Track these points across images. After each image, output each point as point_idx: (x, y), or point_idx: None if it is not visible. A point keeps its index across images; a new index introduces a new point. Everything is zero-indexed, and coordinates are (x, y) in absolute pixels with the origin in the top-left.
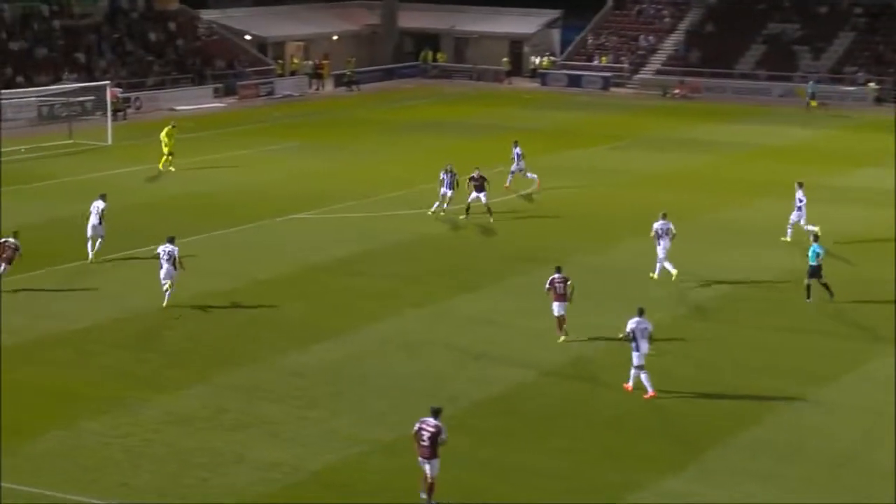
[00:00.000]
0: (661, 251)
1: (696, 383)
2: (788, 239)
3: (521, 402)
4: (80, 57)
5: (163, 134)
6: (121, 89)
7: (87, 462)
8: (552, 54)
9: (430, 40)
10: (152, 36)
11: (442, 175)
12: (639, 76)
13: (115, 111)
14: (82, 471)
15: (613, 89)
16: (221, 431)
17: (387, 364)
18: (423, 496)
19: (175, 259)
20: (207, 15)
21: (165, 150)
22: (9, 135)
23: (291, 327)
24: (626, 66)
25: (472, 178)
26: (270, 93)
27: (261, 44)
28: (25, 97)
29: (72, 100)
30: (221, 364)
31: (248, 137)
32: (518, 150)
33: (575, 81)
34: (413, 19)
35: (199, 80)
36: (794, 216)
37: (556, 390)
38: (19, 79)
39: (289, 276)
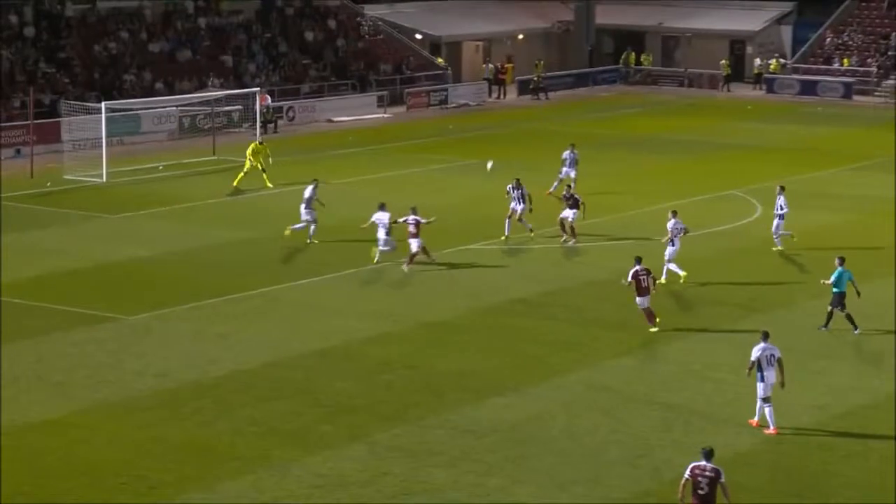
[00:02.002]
0: (670, 252)
1: None
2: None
3: (736, 471)
4: (227, 60)
5: (248, 151)
6: (271, 97)
7: None
8: (781, 56)
9: (632, 40)
10: (309, 35)
11: (509, 188)
12: (889, 82)
13: (264, 122)
14: None
15: (857, 98)
16: (382, 499)
17: (577, 424)
18: None
19: (389, 227)
20: (372, 11)
21: (247, 165)
22: (146, 149)
23: (465, 378)
24: (873, 69)
25: (565, 197)
26: (443, 101)
27: (433, 44)
28: (166, 106)
29: (217, 109)
30: (383, 419)
31: (415, 154)
32: (574, 153)
33: (809, 88)
34: (613, 15)
35: (362, 86)
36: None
37: (768, 458)
38: (159, 85)
39: (462, 319)
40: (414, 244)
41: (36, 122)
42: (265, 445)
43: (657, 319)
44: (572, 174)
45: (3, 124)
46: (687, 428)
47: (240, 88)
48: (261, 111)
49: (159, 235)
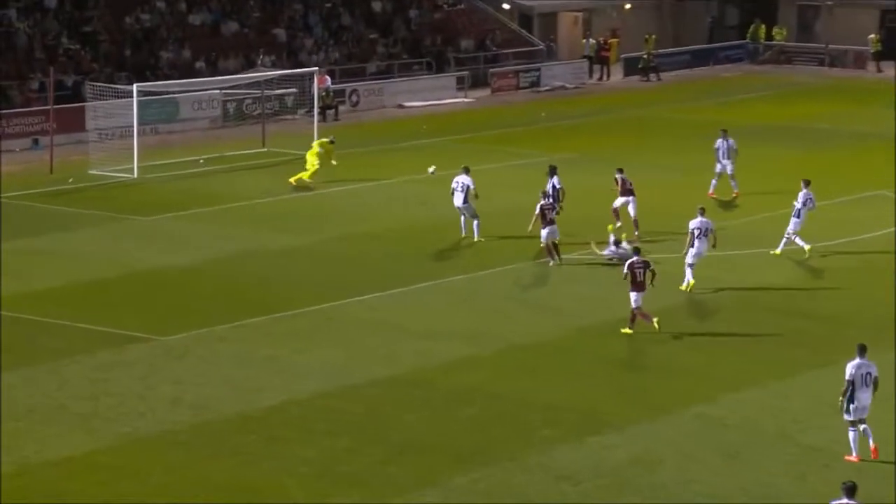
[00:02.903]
0: (692, 256)
1: None
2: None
3: None
4: (280, 34)
5: (312, 151)
6: (331, 78)
7: None
8: None
9: (762, 10)
10: (377, 5)
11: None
12: None
13: (323, 108)
14: None
15: None
16: None
17: (691, 469)
18: None
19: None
20: None
21: (315, 164)
22: (185, 139)
23: (558, 413)
24: None
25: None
26: (535, 83)
27: (524, 16)
28: (207, 89)
29: (267, 93)
30: (460, 460)
31: (501, 146)
32: (728, 141)
33: None
34: None
35: (438, 65)
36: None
37: None
38: (199, 64)
39: (556, 341)
40: (544, 233)
41: (57, 107)
42: (320, 489)
43: (655, 319)
44: (729, 168)
45: (18, 110)
46: (825, 475)
47: (294, 68)
48: (319, 95)
49: (199, 241)
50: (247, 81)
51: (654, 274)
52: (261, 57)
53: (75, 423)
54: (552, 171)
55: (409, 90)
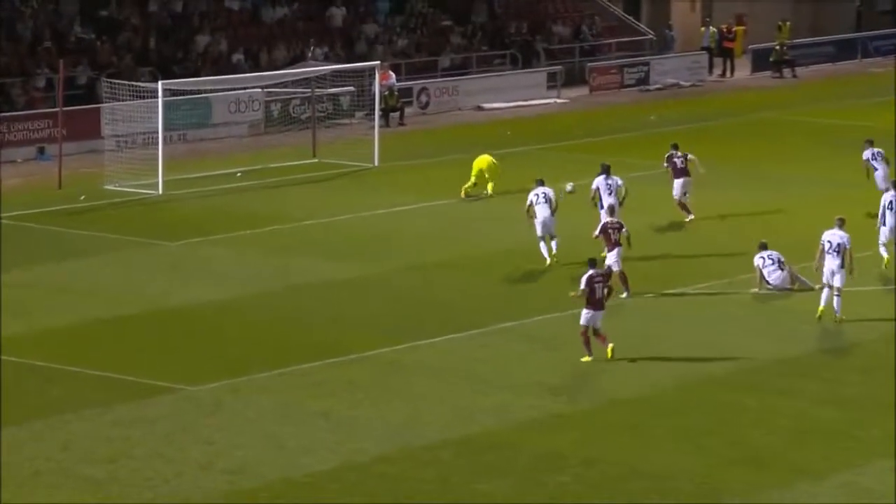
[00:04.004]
0: (828, 273)
1: None
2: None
3: None
4: (336, 15)
5: (482, 164)
6: (396, 75)
7: None
8: None
9: None
10: None
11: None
12: None
13: (386, 110)
14: None
15: None
16: None
17: None
18: None
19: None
20: None
21: (479, 180)
22: (219, 148)
23: (668, 481)
24: None
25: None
26: (643, 80)
27: None
28: (247, 87)
29: (318, 92)
30: None
31: (602, 156)
32: (875, 150)
33: None
34: None
35: (526, 59)
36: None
37: None
38: (237, 57)
39: (665, 394)
40: (611, 259)
41: (67, 109)
42: None
43: (610, 345)
44: (880, 182)
45: (21, 112)
46: None
47: (351, 62)
48: (381, 94)
49: (235, 270)
50: (294, 78)
51: (611, 290)
52: (311, 49)
53: (87, 489)
54: (605, 171)
55: (489, 89)
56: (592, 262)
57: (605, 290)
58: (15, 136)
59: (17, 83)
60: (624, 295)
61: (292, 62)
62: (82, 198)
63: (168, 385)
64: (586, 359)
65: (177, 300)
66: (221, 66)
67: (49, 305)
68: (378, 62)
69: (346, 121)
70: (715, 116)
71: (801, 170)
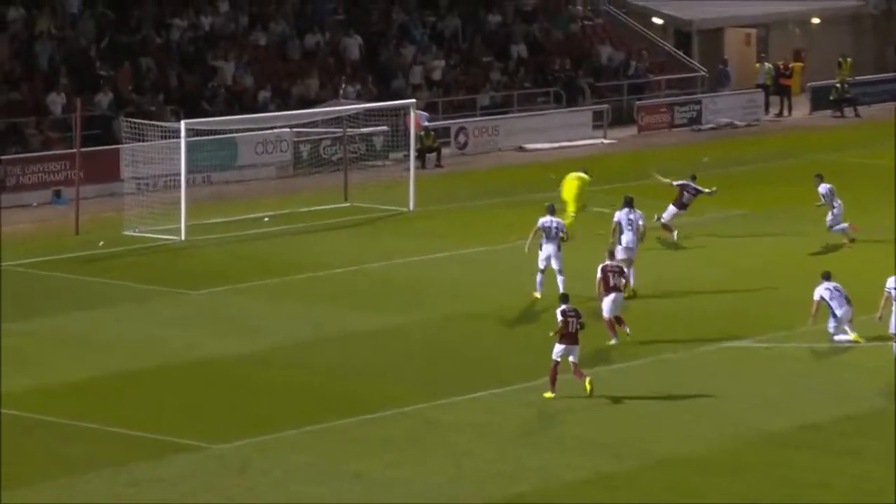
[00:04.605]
0: (894, 324)
1: None
2: None
3: None
4: (352, 47)
5: (570, 186)
6: (428, 114)
7: None
8: None
9: None
10: (492, 17)
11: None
12: None
13: (422, 151)
14: None
15: None
16: None
17: None
18: None
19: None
20: None
21: (572, 210)
22: (246, 191)
23: None
24: None
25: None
26: (694, 120)
27: (680, 33)
28: (273, 127)
29: (350, 131)
30: None
31: (650, 199)
32: (825, 186)
33: None
34: None
35: (570, 96)
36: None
37: None
38: (264, 94)
39: (719, 453)
40: (606, 303)
41: (85, 149)
42: None
43: (587, 379)
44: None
45: (36, 154)
46: None
47: (385, 100)
48: (417, 134)
49: (263, 321)
50: (322, 116)
51: (582, 325)
52: (342, 86)
53: None
54: (627, 203)
55: (532, 128)
56: (564, 298)
57: (578, 325)
58: (29, 178)
59: (32, 122)
60: (612, 342)
61: (319, 101)
62: (101, 244)
63: (191, 443)
64: (549, 395)
65: (201, 353)
66: (247, 103)
67: (65, 358)
68: (413, 101)
69: (380, 162)
70: (771, 158)
71: (863, 215)
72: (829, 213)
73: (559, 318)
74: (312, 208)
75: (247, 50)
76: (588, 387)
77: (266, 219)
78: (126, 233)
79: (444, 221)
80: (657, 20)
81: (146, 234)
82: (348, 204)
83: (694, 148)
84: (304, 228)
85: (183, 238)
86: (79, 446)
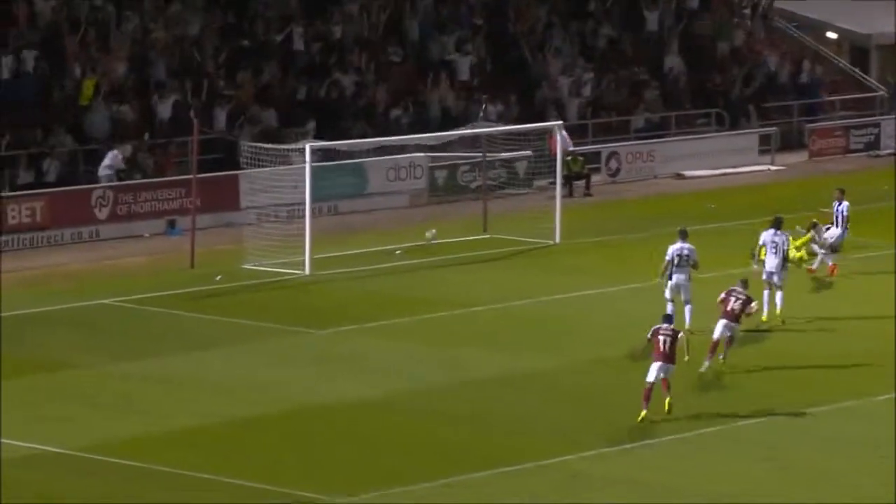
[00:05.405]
0: None
1: None
2: None
3: None
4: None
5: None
6: (573, 137)
7: None
8: None
9: None
10: (651, 22)
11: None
12: None
13: (569, 178)
14: None
15: None
16: None
17: None
18: None
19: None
20: None
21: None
22: (376, 221)
23: None
24: None
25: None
26: (872, 144)
27: (857, 48)
28: (407, 153)
29: (490, 156)
30: None
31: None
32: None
33: None
34: None
35: (734, 119)
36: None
37: None
38: (396, 112)
39: None
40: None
41: (201, 176)
42: None
43: (668, 399)
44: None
45: (147, 180)
46: None
47: (528, 122)
48: (564, 160)
49: (393, 363)
50: (461, 138)
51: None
52: (483, 106)
53: None
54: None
55: (691, 154)
56: (667, 318)
57: (671, 343)
58: (142, 207)
59: (146, 146)
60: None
61: (462, 122)
62: (218, 278)
63: (313, 496)
64: (643, 414)
65: (323, 397)
66: (377, 124)
67: (176, 402)
68: (559, 122)
69: (523, 190)
70: None
71: None
72: None
73: (649, 335)
74: (449, 240)
75: (382, 67)
76: (667, 406)
77: (398, 252)
78: (245, 266)
79: (594, 256)
80: (831, 34)
81: (267, 269)
82: (488, 235)
83: (871, 175)
84: (439, 262)
85: (307, 272)
86: (191, 498)
